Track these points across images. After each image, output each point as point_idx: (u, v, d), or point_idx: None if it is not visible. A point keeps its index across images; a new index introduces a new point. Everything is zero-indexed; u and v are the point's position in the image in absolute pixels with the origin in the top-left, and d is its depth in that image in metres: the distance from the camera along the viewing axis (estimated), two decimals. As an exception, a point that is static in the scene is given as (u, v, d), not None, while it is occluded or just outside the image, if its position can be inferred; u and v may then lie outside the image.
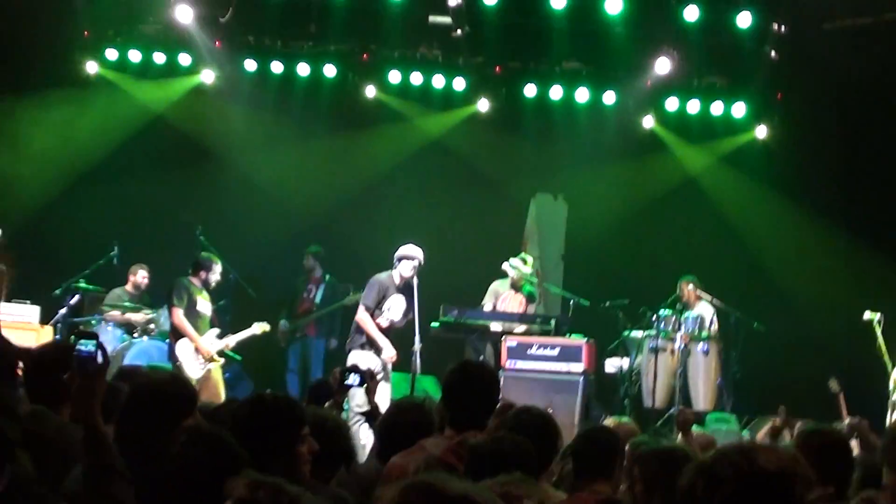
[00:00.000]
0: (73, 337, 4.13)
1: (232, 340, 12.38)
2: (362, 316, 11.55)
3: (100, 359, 4.07)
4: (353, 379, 6.93)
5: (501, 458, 4.46)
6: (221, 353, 12.26)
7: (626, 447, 5.49)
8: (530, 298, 13.53)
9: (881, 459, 4.66)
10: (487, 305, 13.36)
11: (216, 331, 12.29)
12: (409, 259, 11.54)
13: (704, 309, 13.38)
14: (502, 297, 13.44)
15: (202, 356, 11.97)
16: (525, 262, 13.56)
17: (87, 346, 4.05)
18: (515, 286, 13.46)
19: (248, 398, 4.79)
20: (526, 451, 4.73)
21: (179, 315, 12.01)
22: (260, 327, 12.64)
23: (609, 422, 8.06)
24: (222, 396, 11.86)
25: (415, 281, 11.43)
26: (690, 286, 13.45)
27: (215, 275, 12.40)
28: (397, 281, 11.60)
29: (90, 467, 4.02)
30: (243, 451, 3.89)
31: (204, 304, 12.27)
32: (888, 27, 14.01)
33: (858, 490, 4.97)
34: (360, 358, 11.06)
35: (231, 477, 3.22)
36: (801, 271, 14.55)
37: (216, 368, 12.16)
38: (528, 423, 5.23)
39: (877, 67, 14.04)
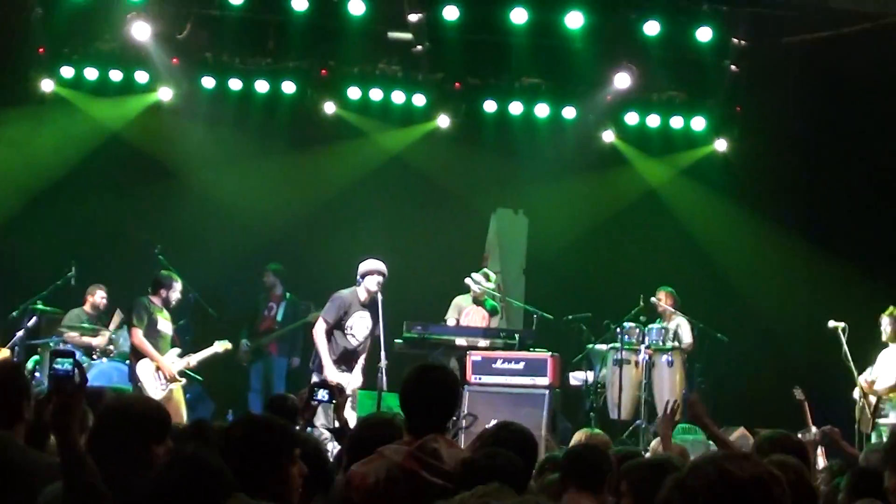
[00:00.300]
0: (49, 356, 4.05)
1: (193, 360, 12.22)
2: (317, 328, 11.45)
3: (77, 377, 3.98)
4: (322, 395, 6.81)
5: (495, 473, 4.37)
6: (183, 373, 12.10)
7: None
8: (493, 313, 13.47)
9: (882, 463, 4.63)
10: (450, 320, 13.28)
11: (177, 350, 12.13)
12: (374, 274, 11.45)
13: (680, 321, 13.40)
14: (465, 312, 13.38)
15: (164, 376, 11.79)
16: (488, 277, 13.51)
17: (63, 364, 3.96)
18: (478, 301, 13.40)
19: (241, 419, 4.73)
20: (518, 465, 4.68)
21: (139, 335, 11.83)
22: (222, 346, 12.48)
23: (580, 434, 7.99)
24: (184, 417, 11.72)
25: (379, 297, 11.34)
26: (670, 298, 13.46)
27: (175, 293, 12.23)
28: (363, 297, 11.51)
29: (71, 488, 3.91)
30: (230, 474, 3.80)
31: (164, 324, 12.09)
32: (845, 41, 14.10)
33: (852, 497, 4.93)
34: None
35: (220, 501, 3.14)
36: (763, 282, 14.63)
37: (178, 389, 11.99)
38: (509, 439, 5.15)
39: (834, 80, 14.15)
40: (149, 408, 4.67)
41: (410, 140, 15.62)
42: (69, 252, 13.79)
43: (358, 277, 11.54)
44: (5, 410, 4.76)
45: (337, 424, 6.90)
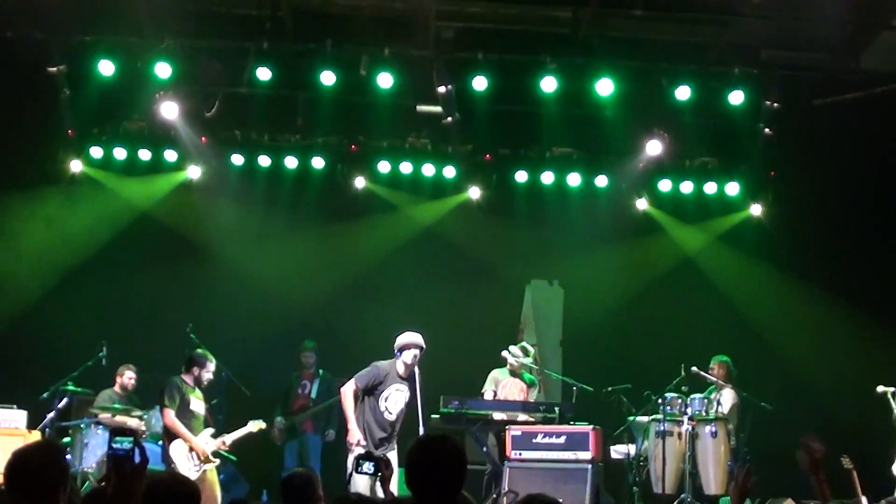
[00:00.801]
0: (109, 434, 3.83)
1: (228, 439, 12.00)
2: (346, 388, 11.19)
3: (137, 457, 3.76)
4: (368, 467, 6.58)
5: None
6: (216, 454, 11.88)
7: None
8: (531, 385, 13.23)
9: None
10: (488, 394, 13.04)
11: (211, 430, 11.92)
12: (412, 347, 11.22)
13: (725, 391, 13.09)
14: (502, 385, 13.13)
15: (197, 456, 11.57)
16: (526, 352, 13.28)
17: (123, 443, 3.74)
18: (515, 374, 13.16)
19: None
20: None
21: (171, 416, 11.64)
22: (256, 425, 12.25)
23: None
24: (219, 499, 11.50)
25: (416, 370, 11.13)
26: (723, 368, 13.17)
27: (208, 372, 12.02)
28: (401, 371, 11.27)
29: None
30: None
31: (197, 404, 11.90)
32: (877, 101, 13.97)
33: None
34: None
35: None
36: (806, 347, 14.36)
37: (212, 469, 11.76)
38: None
39: (868, 141, 14.00)
40: (180, 486, 4.47)
41: (442, 212, 15.55)
42: (100, 331, 13.64)
43: (396, 351, 11.32)
44: (42, 497, 4.53)
45: (381, 496, 6.68)
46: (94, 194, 15.02)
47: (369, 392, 11.19)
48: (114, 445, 3.72)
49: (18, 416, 12.44)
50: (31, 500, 4.47)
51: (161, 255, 15.10)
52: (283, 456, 14.09)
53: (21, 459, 4.64)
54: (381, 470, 6.63)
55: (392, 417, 11.25)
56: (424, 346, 11.29)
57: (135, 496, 3.73)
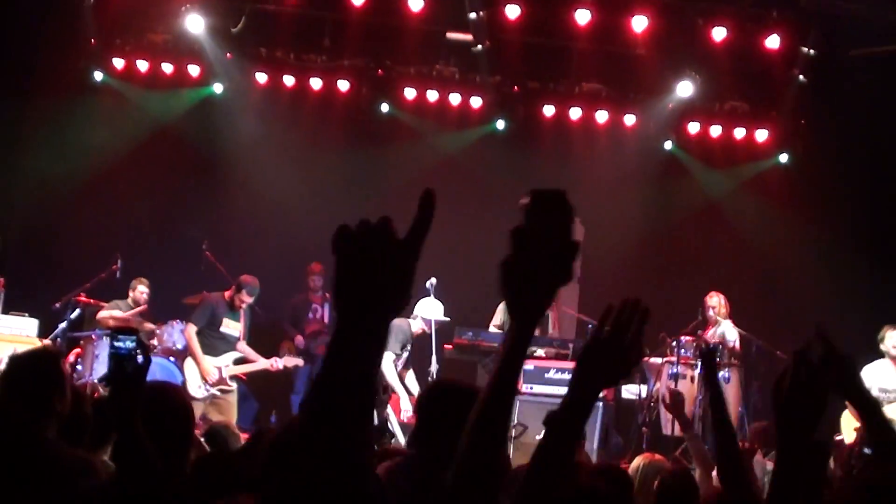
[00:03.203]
0: (110, 333, 3.69)
1: (245, 368, 11.98)
2: None
3: (140, 358, 3.60)
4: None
5: None
6: (233, 378, 11.87)
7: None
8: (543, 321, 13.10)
9: None
10: (493, 328, 12.84)
11: (235, 355, 11.89)
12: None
13: (727, 329, 12.90)
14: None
15: (204, 378, 11.58)
16: None
17: (125, 342, 3.57)
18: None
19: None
20: None
21: (190, 332, 11.80)
22: (289, 361, 12.29)
23: (640, 459, 7.50)
24: (232, 419, 11.47)
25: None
26: (723, 299, 12.97)
27: (244, 298, 11.94)
28: (416, 330, 11.39)
29: (128, 473, 3.60)
30: None
31: (230, 326, 11.97)
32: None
33: None
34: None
35: None
36: (825, 298, 14.14)
37: (230, 393, 11.77)
38: None
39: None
40: (167, 396, 4.35)
41: (466, 142, 15.38)
42: (115, 245, 13.53)
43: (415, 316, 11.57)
44: (34, 403, 4.42)
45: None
46: (115, 105, 14.87)
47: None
48: (115, 344, 3.56)
49: (30, 325, 12.39)
50: (25, 404, 4.38)
51: (180, 171, 14.96)
52: (292, 380, 13.98)
53: (16, 364, 4.55)
54: (379, 394, 6.50)
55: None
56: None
57: (135, 396, 3.59)
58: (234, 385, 11.92)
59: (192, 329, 11.79)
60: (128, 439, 3.61)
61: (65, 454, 4.27)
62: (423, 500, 4.01)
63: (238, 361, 11.96)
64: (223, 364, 11.79)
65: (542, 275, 2.35)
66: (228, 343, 11.94)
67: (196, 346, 11.72)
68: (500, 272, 2.34)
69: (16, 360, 4.60)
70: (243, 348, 12.12)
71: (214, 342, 11.86)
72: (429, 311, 11.56)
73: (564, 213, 2.37)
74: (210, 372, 11.67)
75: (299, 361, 12.49)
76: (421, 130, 15.30)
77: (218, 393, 11.70)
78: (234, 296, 11.95)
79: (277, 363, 12.19)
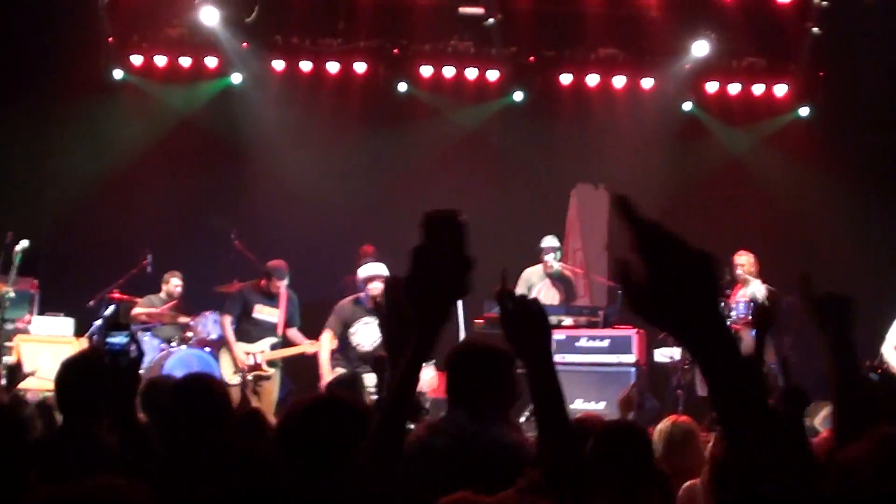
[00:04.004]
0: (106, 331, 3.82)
1: (280, 353, 12.11)
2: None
3: (133, 352, 3.75)
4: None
5: None
6: (271, 364, 12.02)
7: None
8: (560, 280, 13.02)
9: None
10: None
11: (271, 340, 12.03)
12: (376, 279, 11.07)
13: (756, 288, 12.90)
14: (537, 289, 12.97)
15: (237, 365, 11.73)
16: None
17: (118, 337, 3.73)
18: (550, 274, 13.01)
19: None
20: None
21: (224, 321, 12.09)
22: (314, 346, 12.35)
23: (666, 422, 7.56)
24: (272, 407, 11.63)
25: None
26: (752, 257, 12.94)
27: (276, 283, 12.07)
28: (369, 305, 11.23)
29: (129, 461, 3.73)
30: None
31: (264, 312, 12.10)
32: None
33: None
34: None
35: None
36: (852, 249, 14.12)
37: (267, 379, 11.92)
38: None
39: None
40: (205, 385, 4.48)
41: (486, 116, 15.42)
42: (145, 240, 13.66)
43: (360, 285, 11.35)
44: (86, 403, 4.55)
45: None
46: (136, 102, 15.00)
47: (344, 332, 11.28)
48: (110, 340, 3.73)
49: (65, 324, 12.57)
50: (83, 409, 4.50)
51: (203, 162, 15.05)
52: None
53: (70, 369, 4.66)
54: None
55: (363, 349, 11.21)
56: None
57: (132, 388, 3.74)
58: (271, 370, 12.04)
59: (226, 319, 12.05)
60: (128, 426, 3.74)
61: None
62: (461, 454, 4.19)
63: (276, 346, 12.09)
64: (258, 350, 11.93)
65: (439, 290, 2.54)
66: (264, 329, 12.08)
67: (230, 335, 11.96)
68: (403, 289, 2.53)
69: (71, 364, 4.71)
70: (293, 334, 12.25)
71: (249, 329, 12.04)
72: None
73: (457, 232, 2.52)
74: (243, 358, 11.83)
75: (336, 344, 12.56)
76: (440, 107, 15.33)
77: (252, 378, 11.82)
78: (267, 283, 12.10)
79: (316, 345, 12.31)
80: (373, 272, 11.20)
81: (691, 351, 1.96)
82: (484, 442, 4.31)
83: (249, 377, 11.83)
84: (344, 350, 11.28)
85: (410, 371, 2.62)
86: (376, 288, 11.02)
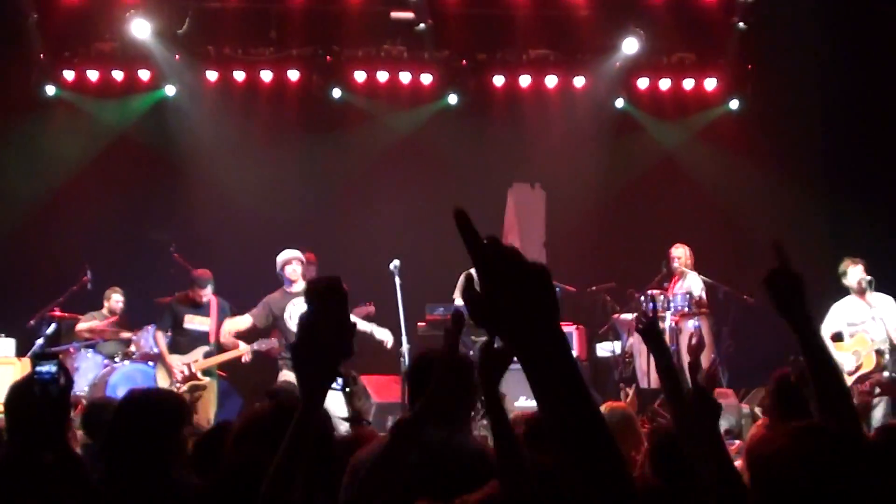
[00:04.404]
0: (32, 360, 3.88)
1: (212, 361, 12.06)
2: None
3: (62, 380, 3.80)
4: (335, 383, 6.54)
5: None
6: (207, 372, 11.99)
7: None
8: None
9: None
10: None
11: (205, 349, 12.01)
12: (291, 262, 11.41)
13: (693, 281, 13.10)
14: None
15: (172, 377, 11.74)
16: None
17: (46, 366, 3.77)
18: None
19: None
20: None
21: (156, 335, 12.05)
22: (246, 349, 12.33)
23: (602, 408, 7.75)
24: (210, 416, 11.61)
25: (397, 280, 11.15)
26: (688, 250, 13.12)
27: (199, 292, 12.06)
28: (294, 289, 11.37)
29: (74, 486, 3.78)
30: None
31: (194, 322, 12.05)
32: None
33: None
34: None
35: None
36: (787, 238, 14.27)
37: (204, 388, 11.89)
38: None
39: (845, 28, 13.90)
40: (157, 398, 4.52)
41: (420, 120, 15.49)
42: (84, 256, 13.61)
43: (279, 272, 11.46)
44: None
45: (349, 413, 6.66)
46: (70, 117, 14.91)
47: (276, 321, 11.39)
48: (38, 369, 3.77)
49: (6, 345, 12.53)
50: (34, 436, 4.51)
51: (140, 176, 14.99)
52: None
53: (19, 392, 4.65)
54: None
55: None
56: (302, 256, 11.50)
57: (64, 414, 3.80)
58: (206, 379, 12.01)
59: (158, 333, 12.04)
60: (61, 453, 3.80)
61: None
62: (428, 461, 4.15)
63: (210, 354, 12.07)
64: (191, 360, 11.91)
65: (324, 353, 2.67)
66: (195, 339, 12.02)
67: (161, 348, 11.93)
68: (291, 355, 2.68)
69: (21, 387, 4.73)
70: (227, 341, 12.23)
71: (180, 340, 11.98)
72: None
73: (339, 298, 2.64)
74: (175, 370, 11.81)
75: (273, 343, 12.51)
76: (375, 112, 15.40)
77: (188, 389, 11.79)
78: (191, 293, 12.11)
79: (250, 350, 12.31)
80: (284, 258, 11.41)
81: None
82: (450, 449, 4.40)
83: (185, 388, 11.78)
84: (287, 340, 11.32)
85: (301, 429, 2.74)
86: (291, 270, 11.30)
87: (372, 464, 3.35)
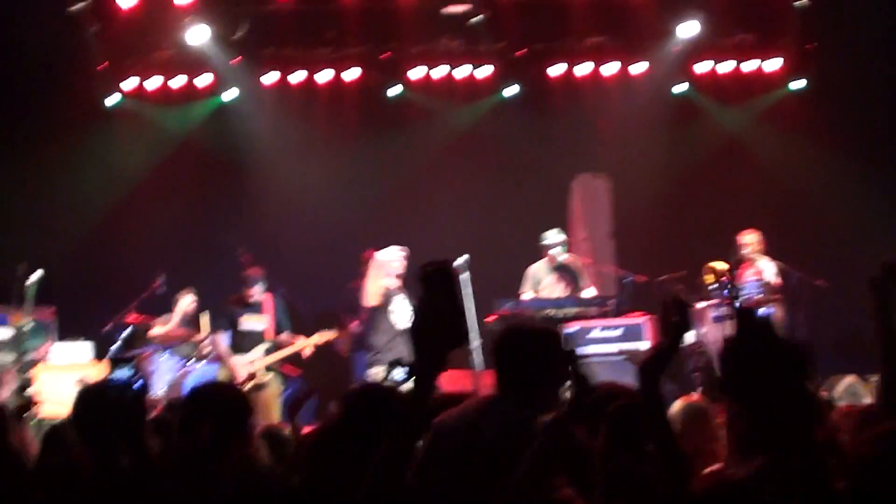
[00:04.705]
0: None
1: (277, 355, 12.17)
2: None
3: (137, 383, 3.82)
4: (399, 374, 6.52)
5: None
6: (271, 369, 12.12)
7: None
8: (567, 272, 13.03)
9: None
10: (527, 294, 12.88)
11: (264, 346, 12.11)
12: (393, 262, 11.73)
13: (765, 266, 12.94)
14: (544, 284, 12.95)
15: (234, 379, 11.84)
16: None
17: (122, 371, 3.81)
18: (555, 267, 12.98)
19: None
20: None
21: (216, 339, 12.27)
22: (321, 337, 12.41)
23: (679, 402, 7.60)
24: (274, 415, 11.66)
25: (466, 275, 11.14)
26: (758, 235, 12.97)
27: (249, 292, 12.20)
28: (395, 285, 11.71)
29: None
30: None
31: (250, 322, 12.22)
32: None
33: None
34: None
35: None
36: (856, 220, 14.16)
37: (266, 387, 12.01)
38: None
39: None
40: (222, 392, 4.52)
41: (480, 113, 15.47)
42: (155, 261, 13.72)
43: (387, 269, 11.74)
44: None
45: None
46: (134, 126, 15.04)
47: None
48: (114, 374, 3.81)
49: (85, 349, 12.70)
50: (109, 440, 4.53)
51: (206, 181, 15.07)
52: (353, 367, 14.07)
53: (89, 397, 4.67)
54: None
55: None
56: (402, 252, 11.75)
57: (139, 420, 3.82)
58: (268, 376, 12.13)
59: (218, 336, 12.24)
60: (138, 455, 3.84)
61: None
62: (513, 438, 4.06)
63: (270, 351, 12.19)
64: (253, 358, 12.03)
65: (437, 338, 2.69)
66: (254, 338, 12.21)
67: (222, 350, 12.12)
68: (409, 337, 2.71)
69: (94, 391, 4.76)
70: (284, 338, 12.34)
71: (240, 341, 12.17)
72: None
73: (449, 282, 2.68)
74: (241, 370, 11.92)
75: (330, 335, 12.59)
76: (433, 108, 15.40)
77: (251, 388, 11.85)
78: (242, 293, 12.21)
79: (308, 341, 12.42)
80: (386, 258, 11.73)
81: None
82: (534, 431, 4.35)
83: (248, 387, 11.86)
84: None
85: (413, 417, 2.75)
86: (394, 268, 11.66)
87: (526, 462, 3.41)
